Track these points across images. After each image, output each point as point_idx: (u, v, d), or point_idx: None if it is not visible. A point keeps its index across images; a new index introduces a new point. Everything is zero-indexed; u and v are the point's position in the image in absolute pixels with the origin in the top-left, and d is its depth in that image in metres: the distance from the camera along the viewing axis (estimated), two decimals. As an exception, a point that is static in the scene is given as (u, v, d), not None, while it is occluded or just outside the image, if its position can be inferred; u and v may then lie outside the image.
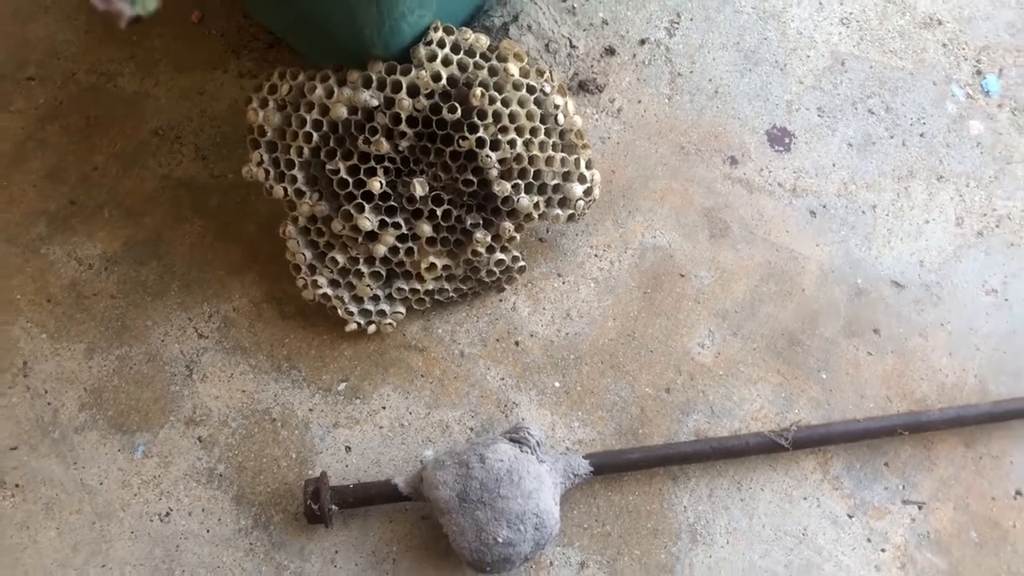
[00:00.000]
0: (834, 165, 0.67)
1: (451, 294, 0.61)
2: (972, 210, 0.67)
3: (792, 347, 0.63)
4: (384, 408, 0.61)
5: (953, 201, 0.67)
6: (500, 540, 0.53)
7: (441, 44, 0.56)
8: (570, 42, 0.65)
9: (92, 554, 0.58)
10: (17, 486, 0.59)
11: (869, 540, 0.59)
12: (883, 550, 0.59)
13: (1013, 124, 0.69)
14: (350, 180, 0.57)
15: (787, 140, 0.67)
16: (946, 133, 0.68)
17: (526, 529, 0.53)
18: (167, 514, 0.59)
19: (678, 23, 0.70)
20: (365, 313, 0.61)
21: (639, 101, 0.68)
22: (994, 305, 0.64)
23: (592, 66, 0.68)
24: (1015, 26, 0.71)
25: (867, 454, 0.61)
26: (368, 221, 0.57)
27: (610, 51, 0.69)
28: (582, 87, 0.67)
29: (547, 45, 0.63)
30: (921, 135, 0.68)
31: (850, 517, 0.60)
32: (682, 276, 0.64)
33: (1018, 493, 0.61)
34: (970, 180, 0.67)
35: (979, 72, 0.70)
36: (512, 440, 0.56)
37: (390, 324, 0.61)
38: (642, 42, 0.69)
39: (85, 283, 0.62)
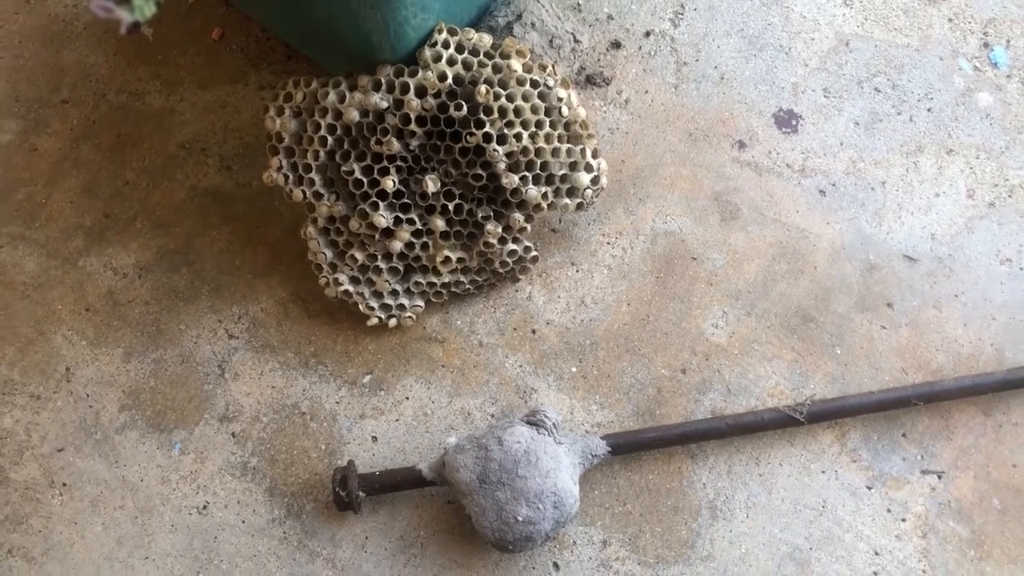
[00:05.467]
0: (842, 144, 0.68)
1: (467, 286, 0.64)
2: (983, 181, 0.67)
3: (806, 324, 0.64)
4: (407, 398, 0.63)
5: (963, 173, 0.67)
6: (520, 519, 0.54)
7: (445, 45, 0.58)
8: (574, 37, 0.67)
9: (136, 547, 0.61)
10: (65, 485, 0.62)
11: (889, 511, 0.60)
12: (903, 520, 0.60)
13: (1022, 94, 0.69)
14: (364, 180, 0.59)
15: (794, 122, 0.68)
16: (954, 107, 0.69)
17: (545, 507, 0.55)
18: (205, 507, 0.61)
19: (682, 13, 0.71)
20: (385, 308, 0.63)
21: (646, 91, 0.69)
22: (1009, 274, 0.65)
23: (599, 60, 0.70)
24: (1021, -3, 0.71)
25: (884, 426, 0.62)
26: (383, 218, 0.60)
27: (616, 44, 0.70)
28: (589, 80, 0.69)
29: (551, 41, 0.65)
30: (929, 110, 0.69)
31: (869, 489, 0.60)
32: (694, 259, 0.65)
33: (1039, 459, 0.61)
34: (980, 152, 0.67)
35: (986, 44, 0.70)
36: (529, 423, 0.57)
37: (410, 317, 0.63)
38: (647, 34, 0.71)
39: (121, 291, 0.66)
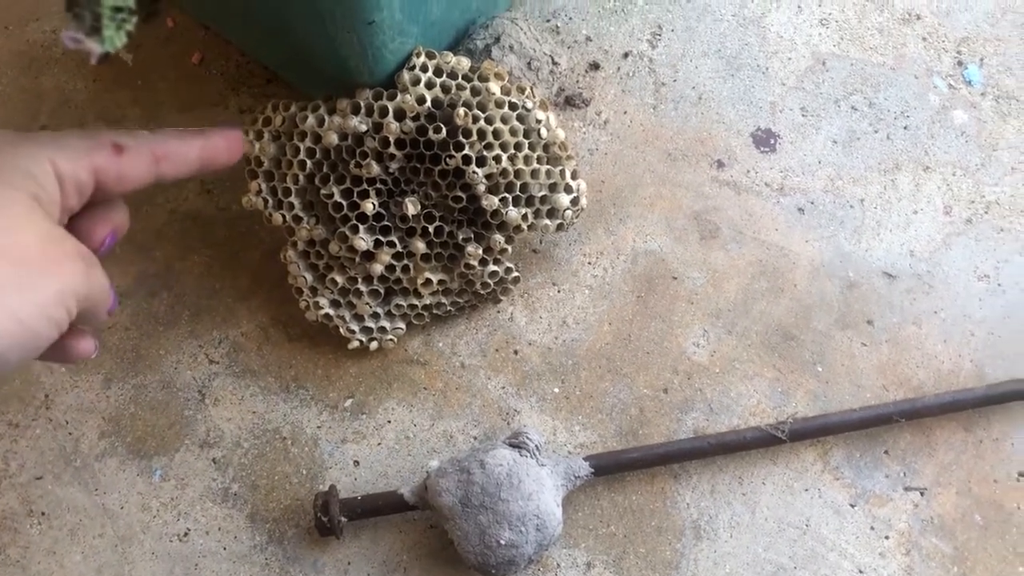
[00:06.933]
0: (820, 162, 0.68)
1: (449, 308, 0.63)
2: (960, 198, 0.67)
3: (786, 342, 0.64)
4: (389, 422, 0.63)
5: (940, 190, 0.68)
6: (503, 542, 0.54)
7: (424, 68, 0.58)
8: (552, 59, 0.67)
9: (116, 576, 0.60)
10: (43, 514, 0.61)
11: (872, 528, 0.60)
12: (887, 537, 0.60)
13: (996, 111, 0.69)
14: (344, 203, 0.59)
15: (772, 141, 0.69)
16: (930, 124, 0.69)
17: (528, 530, 0.54)
18: (186, 534, 0.61)
19: (660, 35, 0.72)
20: (366, 331, 0.63)
21: (625, 112, 0.70)
22: (987, 290, 0.65)
23: (577, 81, 0.70)
24: (994, 16, 0.72)
25: (866, 443, 0.62)
26: (363, 241, 0.60)
27: (594, 66, 0.71)
28: (568, 102, 0.69)
29: (529, 63, 0.66)
30: (905, 128, 0.69)
31: (852, 506, 0.61)
32: (675, 279, 0.66)
33: (1020, 475, 0.61)
34: (956, 169, 0.68)
35: (960, 63, 0.71)
36: (512, 445, 0.57)
37: (391, 340, 0.63)
38: (625, 55, 0.71)
39: (106, 323, 0.65)
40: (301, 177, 0.60)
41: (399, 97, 0.58)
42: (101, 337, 0.65)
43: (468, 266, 0.61)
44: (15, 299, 0.39)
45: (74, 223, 0.47)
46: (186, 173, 0.52)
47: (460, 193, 0.59)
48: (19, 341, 0.40)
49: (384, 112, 0.58)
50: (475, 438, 0.62)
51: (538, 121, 0.59)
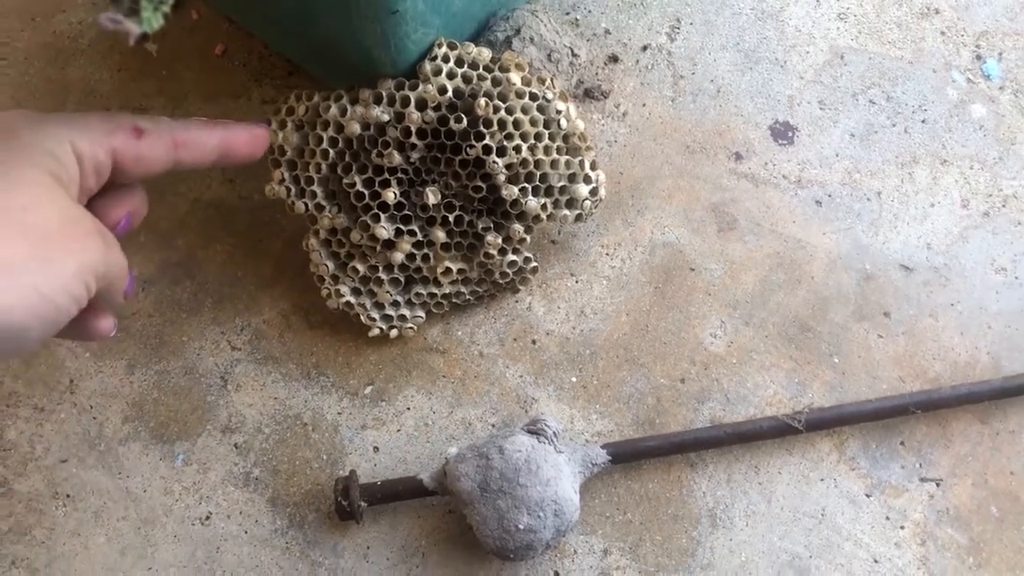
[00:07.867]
0: (837, 155, 0.69)
1: (468, 297, 0.64)
2: (977, 191, 0.68)
3: (803, 333, 0.64)
4: (409, 409, 0.64)
5: (958, 184, 0.68)
6: (521, 527, 0.55)
7: (445, 59, 0.59)
8: (572, 51, 0.67)
9: (139, 558, 0.61)
10: (68, 496, 0.62)
11: (888, 518, 0.60)
12: (902, 527, 0.60)
13: (1015, 106, 0.70)
14: (366, 192, 0.60)
15: (790, 134, 0.69)
16: (948, 118, 0.69)
17: (546, 516, 0.55)
18: (207, 518, 0.62)
19: (678, 28, 0.72)
20: (387, 319, 0.63)
21: (643, 104, 0.70)
22: (1004, 283, 0.65)
23: (597, 74, 0.71)
24: (1013, 10, 0.72)
25: (882, 434, 0.62)
26: (385, 230, 0.60)
27: (614, 58, 0.71)
28: (588, 94, 0.70)
29: (549, 55, 0.66)
30: (923, 121, 0.69)
31: (868, 496, 0.61)
32: (692, 270, 0.66)
33: (1037, 466, 0.61)
34: (974, 162, 0.68)
35: (979, 57, 0.71)
36: (530, 432, 0.58)
37: (411, 328, 0.64)
38: (644, 48, 0.72)
39: (124, 304, 0.66)
40: (324, 166, 0.61)
41: (421, 87, 0.59)
42: (125, 323, 0.66)
43: (487, 255, 0.62)
44: (37, 274, 0.40)
45: (92, 204, 0.48)
46: (205, 162, 0.53)
47: (480, 183, 0.60)
48: (41, 316, 0.41)
49: (406, 102, 0.59)
50: (493, 425, 0.63)
51: (558, 112, 0.60)
